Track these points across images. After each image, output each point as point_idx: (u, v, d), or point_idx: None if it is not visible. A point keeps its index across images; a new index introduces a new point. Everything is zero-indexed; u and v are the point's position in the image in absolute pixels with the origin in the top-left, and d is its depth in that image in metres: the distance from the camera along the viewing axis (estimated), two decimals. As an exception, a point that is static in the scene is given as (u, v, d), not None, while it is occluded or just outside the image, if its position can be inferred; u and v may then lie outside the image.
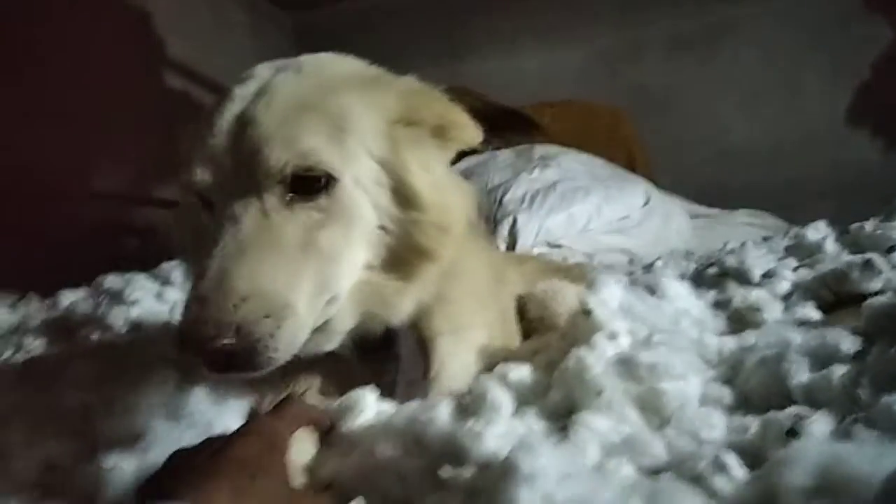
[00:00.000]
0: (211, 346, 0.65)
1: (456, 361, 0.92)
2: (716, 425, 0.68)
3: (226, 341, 0.65)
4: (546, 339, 0.98)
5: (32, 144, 2.25)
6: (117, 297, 1.41)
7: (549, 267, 1.55)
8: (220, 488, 0.52)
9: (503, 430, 0.61)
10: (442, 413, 0.62)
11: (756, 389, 0.77)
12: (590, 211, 2.57)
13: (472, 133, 0.89)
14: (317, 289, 0.75)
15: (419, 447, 0.60)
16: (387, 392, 0.78)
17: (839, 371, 0.70)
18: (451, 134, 0.87)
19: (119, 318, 1.31)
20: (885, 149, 3.18)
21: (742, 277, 1.36)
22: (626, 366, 0.75)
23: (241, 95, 0.81)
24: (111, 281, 1.49)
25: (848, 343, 0.77)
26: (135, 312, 1.34)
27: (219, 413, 0.83)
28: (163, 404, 0.81)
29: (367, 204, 0.79)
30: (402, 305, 0.84)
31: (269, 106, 0.77)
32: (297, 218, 0.75)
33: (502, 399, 0.66)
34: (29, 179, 2.26)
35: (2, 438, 0.78)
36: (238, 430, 0.63)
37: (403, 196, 0.81)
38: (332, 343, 0.82)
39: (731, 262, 1.51)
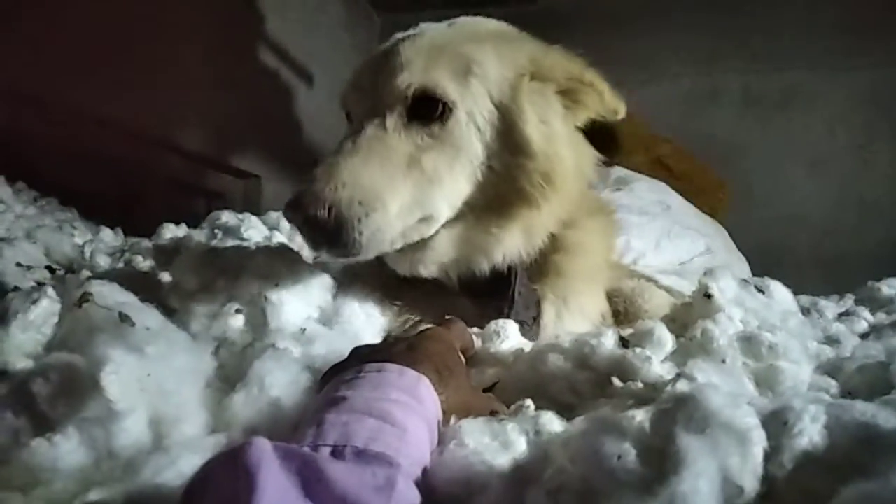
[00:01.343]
0: (308, 215, 0.78)
1: (560, 326, 0.99)
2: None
3: (319, 213, 0.78)
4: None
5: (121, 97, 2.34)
6: (232, 232, 1.52)
7: (631, 271, 1.64)
8: (427, 369, 0.56)
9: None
10: (609, 340, 0.71)
11: (860, 387, 0.85)
12: (646, 243, 2.63)
13: (606, 101, 0.97)
14: (413, 200, 0.86)
15: (589, 364, 0.68)
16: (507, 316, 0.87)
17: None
18: (581, 97, 0.96)
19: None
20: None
21: (819, 314, 1.44)
22: (748, 342, 0.82)
23: (398, 38, 0.95)
24: (227, 216, 1.59)
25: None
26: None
27: (364, 326, 0.93)
28: (320, 308, 0.91)
29: (477, 141, 0.89)
30: (499, 248, 0.92)
31: (413, 44, 0.91)
32: (410, 138, 0.87)
33: (666, 336, 0.74)
34: (114, 128, 2.34)
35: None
36: (421, 333, 0.70)
37: (514, 141, 0.90)
38: (428, 269, 0.92)
39: (804, 302, 1.60)
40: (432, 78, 0.88)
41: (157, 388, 0.51)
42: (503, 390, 0.72)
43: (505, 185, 0.91)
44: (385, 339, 0.72)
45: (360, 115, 0.91)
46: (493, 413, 0.59)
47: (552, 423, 0.55)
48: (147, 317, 0.62)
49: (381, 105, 0.88)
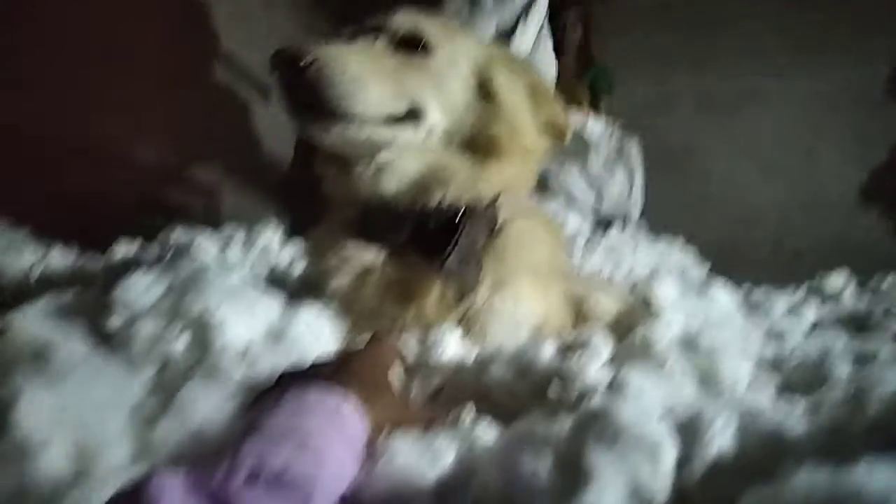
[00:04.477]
0: (296, 57, 0.83)
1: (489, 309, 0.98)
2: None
3: (304, 61, 0.83)
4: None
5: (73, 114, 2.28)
6: (184, 250, 1.50)
7: (578, 276, 1.65)
8: (353, 389, 0.55)
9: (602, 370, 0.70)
10: (548, 348, 0.72)
11: (799, 382, 0.87)
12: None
13: (559, 119, 1.05)
14: (395, 92, 0.91)
15: (529, 372, 0.69)
16: (438, 270, 0.92)
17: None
18: (539, 101, 1.03)
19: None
20: (893, 232, 3.32)
21: (768, 310, 1.47)
22: (688, 343, 0.85)
23: None
24: (178, 234, 1.57)
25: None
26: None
27: (313, 345, 0.92)
28: (266, 326, 0.90)
29: (455, 80, 0.98)
30: (457, 184, 0.95)
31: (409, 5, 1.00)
32: (396, 58, 0.94)
33: (603, 344, 0.75)
34: (71, 145, 2.29)
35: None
36: (344, 354, 0.70)
37: (487, 92, 0.99)
38: (387, 185, 0.95)
39: (757, 297, 1.63)
40: (421, 25, 0.97)
41: (77, 419, 0.50)
42: (447, 398, 0.72)
43: (475, 128, 0.98)
44: (312, 363, 0.71)
45: (347, 37, 0.96)
46: (430, 421, 0.59)
47: (486, 433, 0.55)
48: (72, 344, 0.60)
49: (374, 30, 0.96)
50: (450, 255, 0.92)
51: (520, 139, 0.99)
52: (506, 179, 1.00)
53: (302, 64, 0.83)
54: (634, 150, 3.15)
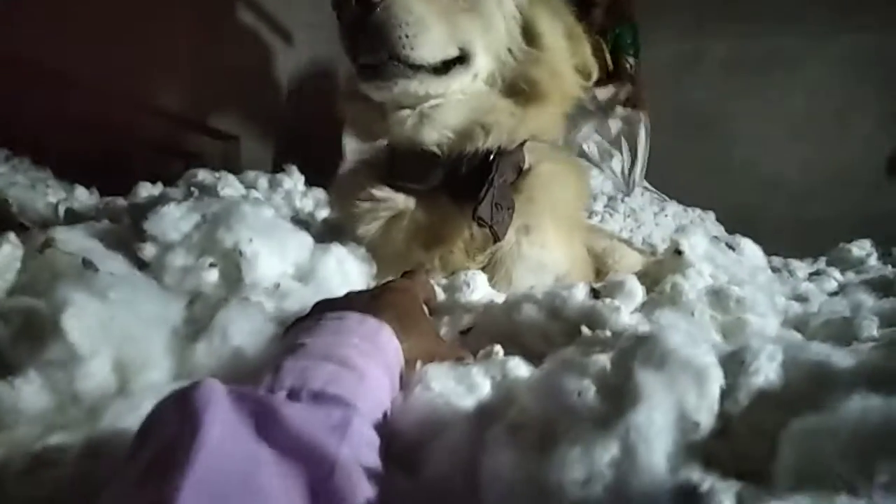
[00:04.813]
0: None
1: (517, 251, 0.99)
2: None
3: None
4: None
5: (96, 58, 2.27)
6: (209, 190, 1.50)
7: (605, 232, 1.65)
8: (389, 318, 0.56)
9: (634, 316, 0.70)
10: (580, 291, 0.71)
11: (824, 340, 0.86)
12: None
13: (586, 59, 1.05)
14: (450, 35, 0.90)
15: (562, 315, 0.69)
16: (471, 217, 0.91)
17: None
18: (576, 44, 1.04)
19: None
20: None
21: (790, 274, 1.46)
22: (716, 296, 0.84)
23: None
24: (203, 175, 1.57)
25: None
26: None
27: (341, 285, 0.93)
28: (296, 265, 0.91)
29: (501, 22, 0.96)
30: (500, 129, 0.95)
31: None
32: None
33: (637, 288, 0.75)
34: (89, 88, 2.28)
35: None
36: (381, 286, 0.71)
37: (531, 34, 0.98)
38: (430, 134, 0.94)
39: (776, 263, 1.62)
40: None
41: (121, 332, 0.51)
42: (477, 337, 0.73)
43: (521, 71, 0.97)
44: (348, 293, 0.72)
45: None
46: (459, 359, 0.59)
47: (519, 367, 0.56)
48: (112, 263, 0.61)
49: None
50: (482, 201, 0.92)
51: (560, 83, 0.99)
52: (542, 124, 0.99)
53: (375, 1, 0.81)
54: (643, 131, 3.11)
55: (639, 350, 0.40)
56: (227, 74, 3.02)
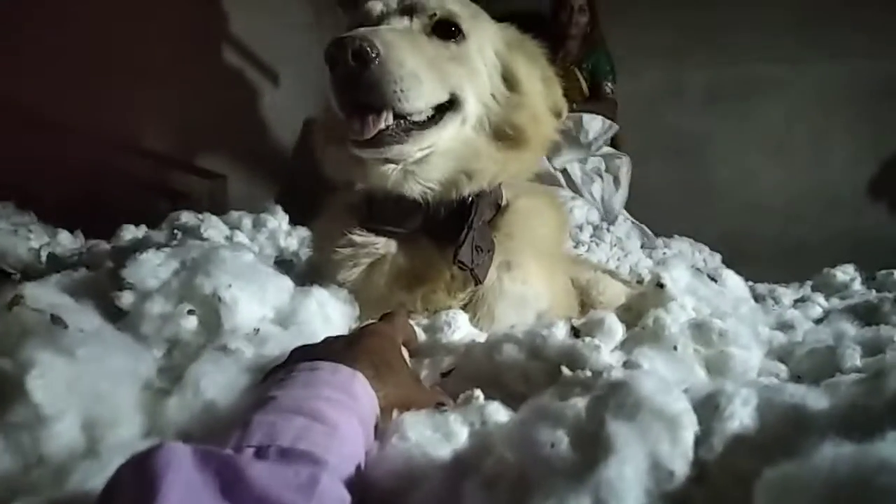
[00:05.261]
0: (355, 49, 0.81)
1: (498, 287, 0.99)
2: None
3: (365, 48, 0.81)
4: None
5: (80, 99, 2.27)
6: (192, 233, 1.50)
7: (589, 263, 1.65)
8: (364, 366, 0.56)
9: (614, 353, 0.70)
10: (560, 330, 0.71)
11: (809, 371, 0.86)
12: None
13: (556, 99, 1.07)
14: (440, 83, 0.91)
15: (542, 354, 0.68)
16: (451, 260, 0.91)
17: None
18: (551, 87, 1.06)
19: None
20: (901, 224, 3.31)
21: (776, 301, 1.47)
22: (699, 329, 0.83)
23: None
24: (187, 216, 1.57)
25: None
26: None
27: (323, 326, 0.92)
28: (276, 309, 0.90)
29: (483, 68, 0.98)
30: (483, 175, 0.96)
31: None
32: (433, 46, 0.93)
33: (617, 325, 0.75)
34: (72, 130, 2.27)
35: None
36: (358, 330, 0.70)
37: (510, 80, 1.00)
38: (414, 186, 0.94)
39: (761, 290, 1.62)
40: (453, 10, 0.96)
41: (89, 391, 0.50)
42: (457, 380, 0.72)
43: (504, 115, 0.98)
44: (325, 339, 0.71)
45: (379, 14, 0.96)
46: (438, 405, 0.58)
47: (498, 413, 0.55)
48: (83, 317, 0.60)
49: (408, 10, 0.95)
50: (462, 244, 0.92)
51: (541, 128, 1.00)
52: (522, 167, 1.01)
53: (370, 56, 0.82)
54: (625, 168, 3.16)
55: (611, 399, 0.39)
56: (214, 114, 3.03)
